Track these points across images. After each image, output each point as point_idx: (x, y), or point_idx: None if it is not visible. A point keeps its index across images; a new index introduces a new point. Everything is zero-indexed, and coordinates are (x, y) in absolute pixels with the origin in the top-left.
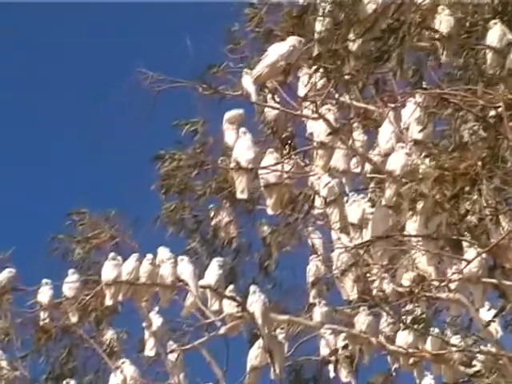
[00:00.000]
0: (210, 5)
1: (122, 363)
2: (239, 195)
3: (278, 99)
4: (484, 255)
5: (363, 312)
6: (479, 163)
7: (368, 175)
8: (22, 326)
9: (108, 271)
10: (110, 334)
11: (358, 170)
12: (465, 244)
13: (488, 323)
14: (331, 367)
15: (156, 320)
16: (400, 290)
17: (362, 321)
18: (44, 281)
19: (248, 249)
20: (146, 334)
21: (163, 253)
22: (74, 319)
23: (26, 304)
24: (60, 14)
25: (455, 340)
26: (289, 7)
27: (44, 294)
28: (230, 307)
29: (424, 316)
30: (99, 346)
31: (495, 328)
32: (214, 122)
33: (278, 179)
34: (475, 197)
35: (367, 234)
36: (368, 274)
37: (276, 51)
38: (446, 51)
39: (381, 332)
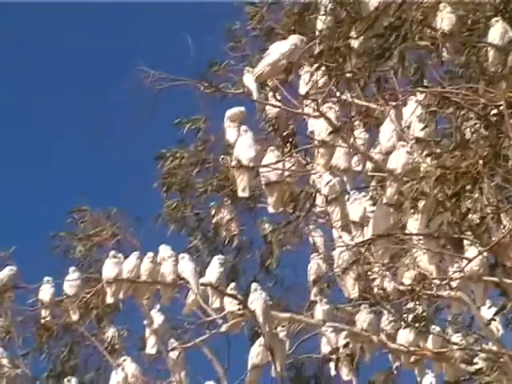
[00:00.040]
0: (210, 5)
1: (124, 361)
2: (240, 193)
3: (279, 97)
4: (485, 253)
5: (364, 310)
6: (480, 162)
7: (369, 173)
8: (23, 324)
9: (109, 269)
10: (111, 332)
11: (359, 168)
12: (466, 242)
13: (489, 322)
14: (332, 365)
15: (157, 318)
16: (401, 288)
17: (363, 319)
18: (45, 279)
19: (249, 247)
20: (147, 331)
21: (164, 251)
22: (74, 317)
23: (27, 302)
24: (60, 14)
25: (456, 338)
26: (290, 5)
27: (45, 292)
28: (231, 305)
29: (425, 314)
30: (100, 343)
31: (496, 326)
32: (216, 119)
33: (279, 177)
34: (476, 195)
35: (368, 233)
36: (369, 273)
37: (278, 50)
38: (448, 49)
39: (382, 330)
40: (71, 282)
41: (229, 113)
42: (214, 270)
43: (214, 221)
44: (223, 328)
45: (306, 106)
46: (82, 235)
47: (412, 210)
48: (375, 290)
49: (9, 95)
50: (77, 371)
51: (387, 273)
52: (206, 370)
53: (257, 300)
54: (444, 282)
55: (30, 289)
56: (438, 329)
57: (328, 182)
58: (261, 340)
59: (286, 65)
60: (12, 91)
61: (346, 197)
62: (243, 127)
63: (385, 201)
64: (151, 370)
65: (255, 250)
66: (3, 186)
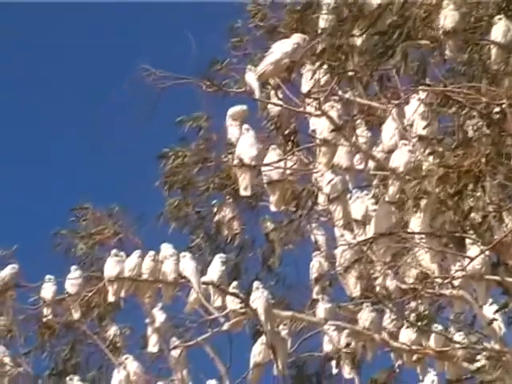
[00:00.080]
0: (211, 5)
1: (126, 359)
2: (242, 192)
3: (281, 96)
4: (487, 252)
5: (366, 308)
6: (483, 160)
7: (371, 172)
8: (25, 323)
9: (110, 267)
10: (113, 330)
11: (361, 166)
12: (468, 241)
13: (491, 321)
14: (334, 364)
15: (159, 316)
16: (403, 286)
17: (365, 317)
18: (47, 277)
19: (251, 245)
20: (149, 330)
21: (166, 249)
22: (76, 315)
23: (28, 300)
24: (60, 14)
25: (458, 337)
26: (292, 4)
27: (47, 290)
28: (233, 303)
29: (427, 313)
30: (102, 342)
31: (498, 325)
32: (218, 118)
33: (280, 176)
34: (479, 194)
35: (370, 231)
36: (371, 271)
37: (280, 49)
38: (451, 47)
39: (384, 328)
40: (73, 280)
41: (231, 111)
42: (216, 268)
43: (215, 219)
44: (225, 326)
45: (308, 104)
46: (84, 233)
47: (414, 209)
48: (377, 288)
49: (9, 95)
50: (79, 370)
51: (389, 271)
52: (207, 369)
53: (259, 298)
54: (446, 281)
55: (32, 287)
56: (440, 327)
57: (330, 181)
58: (263, 338)
59: (288, 64)
60: (12, 91)
61: (348, 195)
62: (245, 126)
63: (387, 199)
64: (153, 369)
65: (257, 248)
66: (4, 185)
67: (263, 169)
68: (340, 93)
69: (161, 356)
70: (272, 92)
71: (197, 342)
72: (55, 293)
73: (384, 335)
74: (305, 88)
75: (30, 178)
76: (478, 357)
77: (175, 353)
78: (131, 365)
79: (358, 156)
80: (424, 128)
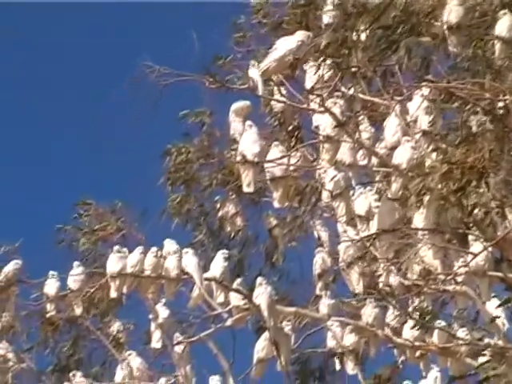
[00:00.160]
0: (211, 5)
1: (129, 355)
2: (245, 189)
3: (284, 92)
4: (490, 248)
5: (370, 304)
6: (487, 156)
7: (374, 169)
8: (28, 319)
9: (113, 264)
10: (116, 326)
11: (364, 162)
12: (471, 237)
13: (494, 318)
14: (337, 361)
15: (162, 312)
16: (406, 283)
17: (368, 313)
18: (50, 273)
19: (254, 241)
20: (153, 325)
21: (169, 245)
22: (78, 311)
23: (31, 296)
24: (60, 14)
25: (462, 333)
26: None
27: (51, 286)
28: (236, 299)
29: (430, 310)
30: (105, 338)
31: (502, 321)
32: (221, 114)
33: (284, 172)
34: (481, 190)
35: (373, 227)
36: (374, 268)
37: (284, 46)
38: (455, 42)
39: (387, 324)
40: (75, 276)
41: (234, 106)
42: (219, 264)
43: (219, 215)
44: (228, 322)
45: (312, 101)
46: (87, 229)
47: (417, 205)
48: (380, 285)
49: (9, 95)
50: (81, 365)
51: (392, 267)
52: (211, 365)
53: (262, 294)
54: (449, 277)
55: (35, 283)
56: (443, 323)
57: (333, 178)
58: (266, 334)
59: (292, 61)
60: (12, 91)
61: (351, 192)
62: (248, 122)
63: (390, 196)
64: (156, 365)
65: (260, 244)
66: (7, 184)
67: (266, 165)
68: (343, 89)
69: (164, 352)
70: (275, 88)
71: (200, 338)
72: (59, 289)
73: (387, 331)
74: (308, 84)
75: (32, 177)
76: (483, 352)
77: (178, 348)
78: (134, 360)
79: (360, 152)
80: (428, 123)
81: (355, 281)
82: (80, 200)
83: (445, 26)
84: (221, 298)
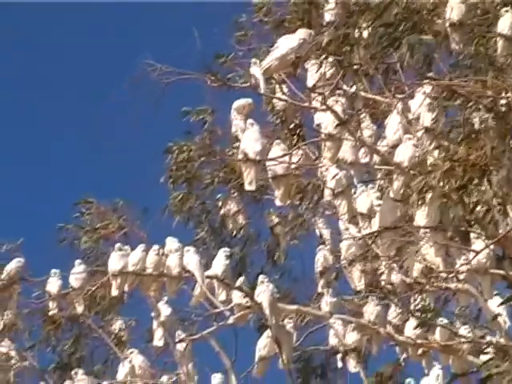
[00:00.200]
0: (211, 4)
1: (131, 353)
2: (247, 187)
3: (286, 90)
4: (492, 246)
5: (372, 302)
6: (489, 153)
7: (376, 166)
8: (30, 317)
9: (114, 262)
10: (118, 324)
11: (366, 160)
12: (472, 235)
13: (495, 316)
14: (339, 359)
15: (164, 310)
16: (408, 280)
17: (370, 311)
18: (53, 271)
19: (256, 238)
20: (155, 323)
21: (171, 243)
22: (79, 309)
23: (33, 294)
24: (60, 14)
25: (464, 331)
26: None
27: (53, 284)
28: (238, 297)
29: (432, 308)
30: (107, 335)
31: (503, 319)
32: (222, 112)
33: (285, 170)
34: (483, 187)
35: (375, 225)
36: (376, 265)
37: (286, 44)
38: (457, 39)
39: (389, 322)
40: (77, 274)
41: (236, 104)
42: (220, 262)
43: (220, 213)
44: (230, 320)
45: (313, 99)
46: (89, 228)
47: (419, 203)
48: (382, 283)
49: (9, 95)
50: (83, 363)
51: (394, 265)
52: (213, 362)
53: (263, 292)
54: (451, 275)
55: (37, 281)
56: (445, 321)
57: (335, 176)
58: (268, 332)
59: (293, 59)
60: (12, 91)
61: (353, 190)
62: (250, 120)
63: (391, 195)
64: (158, 362)
65: (262, 242)
66: (9, 183)
67: (268, 163)
68: (345, 87)
69: (166, 350)
70: (277, 86)
71: (202, 336)
72: (61, 287)
73: (389, 329)
74: (310, 82)
75: (33, 177)
76: (485, 350)
77: (181, 346)
78: (136, 358)
79: (362, 150)
80: (431, 120)
81: (357, 279)
82: (81, 199)
83: (447, 24)
84: (222, 296)
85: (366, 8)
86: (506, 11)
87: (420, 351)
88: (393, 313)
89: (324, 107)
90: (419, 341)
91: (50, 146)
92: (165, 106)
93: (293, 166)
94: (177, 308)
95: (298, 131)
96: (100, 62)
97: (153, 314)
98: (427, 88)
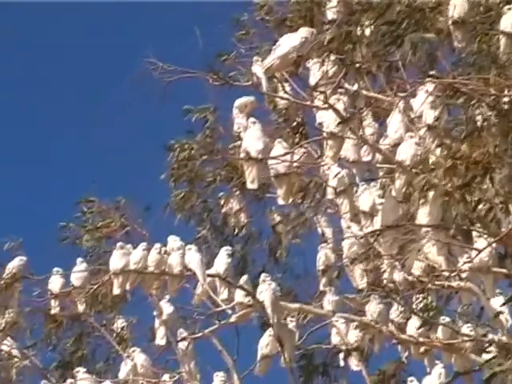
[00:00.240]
0: (211, 4)
1: (133, 351)
2: (249, 185)
3: (288, 88)
4: (494, 244)
5: (374, 300)
6: (491, 151)
7: (378, 165)
8: (31, 315)
9: (116, 260)
10: (120, 323)
11: (368, 158)
12: (475, 233)
13: (497, 314)
14: (341, 357)
15: (167, 308)
16: (410, 279)
17: (372, 309)
18: (55, 269)
19: (258, 237)
20: (157, 322)
21: (173, 242)
22: (81, 308)
23: (34, 293)
24: (60, 14)
25: (466, 329)
26: None
27: (55, 283)
28: (240, 295)
29: (434, 306)
30: (109, 334)
31: (505, 317)
32: (224, 110)
33: (287, 169)
34: (486, 186)
35: (377, 224)
36: (378, 264)
37: (288, 43)
38: (459, 37)
39: (391, 321)
40: (78, 273)
41: (238, 102)
42: (222, 261)
43: (222, 211)
44: (232, 318)
45: (315, 97)
46: (91, 226)
47: (421, 201)
48: (384, 281)
49: (9, 95)
50: (85, 362)
51: (396, 264)
52: (215, 361)
53: (265, 291)
54: (453, 274)
55: (38, 280)
56: (447, 319)
57: (336, 174)
58: (270, 330)
59: (295, 58)
60: (12, 91)
61: (355, 188)
62: (251, 119)
63: (394, 194)
64: (160, 361)
65: (264, 240)
66: (10, 182)
67: (270, 162)
68: (347, 85)
69: (168, 348)
70: (279, 85)
71: (204, 335)
72: (63, 285)
73: (391, 327)
74: (312, 81)
75: (33, 176)
76: (489, 349)
77: (183, 345)
78: (138, 357)
79: (364, 148)
80: (433, 118)
81: (359, 277)
82: (83, 197)
83: (449, 21)
84: (224, 295)
85: (369, 6)
86: (509, 9)
87: (422, 349)
88: (395, 311)
89: (326, 105)
90: (421, 339)
91: (50, 146)
92: (166, 104)
93: (295, 165)
94: (179, 306)
95: (300, 130)
96: (100, 62)
97: (155, 313)
98: (430, 86)
